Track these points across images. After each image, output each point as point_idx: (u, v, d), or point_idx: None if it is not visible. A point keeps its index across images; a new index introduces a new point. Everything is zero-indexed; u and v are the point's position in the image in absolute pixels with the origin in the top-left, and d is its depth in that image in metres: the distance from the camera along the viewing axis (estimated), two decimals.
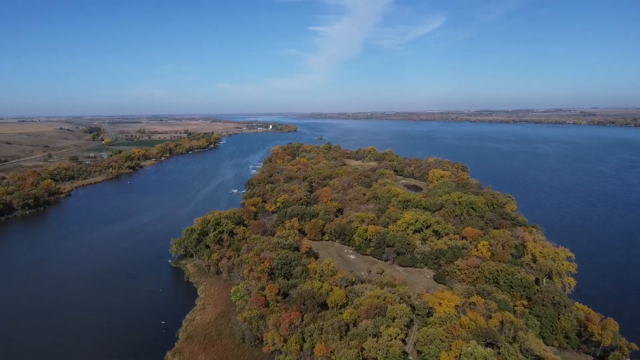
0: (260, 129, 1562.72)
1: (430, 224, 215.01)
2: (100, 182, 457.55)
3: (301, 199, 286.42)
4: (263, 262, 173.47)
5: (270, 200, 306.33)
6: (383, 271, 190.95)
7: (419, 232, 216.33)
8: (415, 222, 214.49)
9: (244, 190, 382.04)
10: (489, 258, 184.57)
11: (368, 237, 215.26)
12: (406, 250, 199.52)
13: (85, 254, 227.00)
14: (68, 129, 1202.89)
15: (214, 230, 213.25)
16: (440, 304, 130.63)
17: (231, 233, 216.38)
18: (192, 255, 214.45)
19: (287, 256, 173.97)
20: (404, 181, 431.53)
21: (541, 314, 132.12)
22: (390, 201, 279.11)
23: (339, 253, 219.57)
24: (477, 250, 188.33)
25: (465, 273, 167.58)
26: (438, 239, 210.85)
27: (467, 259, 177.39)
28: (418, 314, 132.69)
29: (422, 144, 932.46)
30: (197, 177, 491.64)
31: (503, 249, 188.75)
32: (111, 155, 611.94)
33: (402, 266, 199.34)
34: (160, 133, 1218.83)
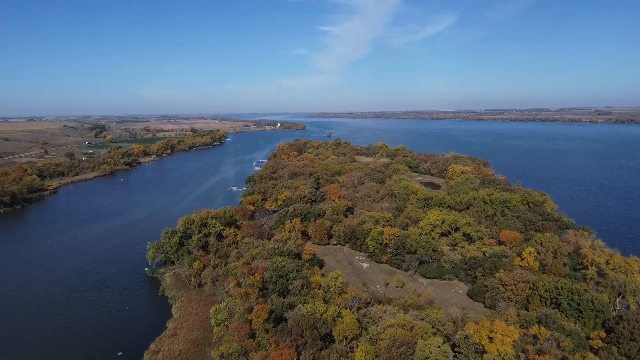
0: (268, 127, 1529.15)
1: (460, 225, 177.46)
2: (92, 178, 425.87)
3: (305, 196, 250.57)
4: (254, 274, 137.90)
5: (271, 198, 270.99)
6: (404, 284, 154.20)
7: (446, 235, 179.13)
8: (442, 223, 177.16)
9: (245, 187, 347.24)
10: (537, 269, 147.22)
11: (384, 242, 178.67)
12: (431, 258, 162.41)
13: (51, 259, 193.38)
14: (72, 127, 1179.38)
15: (199, 232, 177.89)
16: (490, 338, 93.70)
17: (219, 236, 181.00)
18: (173, 262, 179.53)
19: (284, 266, 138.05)
20: (419, 178, 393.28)
21: (632, 353, 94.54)
22: (408, 199, 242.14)
23: (348, 260, 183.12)
24: (522, 260, 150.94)
25: (512, 290, 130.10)
26: (470, 244, 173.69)
27: (511, 271, 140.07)
28: (459, 352, 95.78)
29: (436, 141, 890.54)
30: (196, 174, 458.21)
31: (555, 257, 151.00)
32: (109, 152, 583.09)
33: (427, 277, 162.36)
34: (166, 131, 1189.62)
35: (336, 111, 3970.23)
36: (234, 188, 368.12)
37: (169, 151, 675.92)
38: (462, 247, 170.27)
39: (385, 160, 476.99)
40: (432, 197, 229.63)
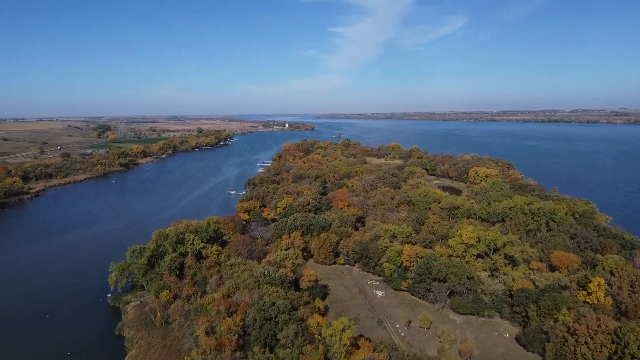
0: (276, 128, 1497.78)
1: (501, 245, 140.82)
2: (82, 180, 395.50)
3: (309, 203, 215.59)
4: (233, 313, 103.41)
5: (270, 205, 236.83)
6: (431, 324, 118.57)
7: (482, 257, 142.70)
8: (478, 242, 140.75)
9: (244, 191, 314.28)
10: (610, 308, 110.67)
11: (403, 264, 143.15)
12: (466, 287, 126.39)
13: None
14: (76, 127, 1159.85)
15: (174, 250, 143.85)
16: None
17: (199, 256, 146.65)
18: (143, 287, 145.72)
19: (273, 304, 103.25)
20: (436, 182, 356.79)
21: None
22: (430, 207, 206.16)
23: (359, 286, 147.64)
24: (589, 294, 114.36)
25: (586, 343, 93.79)
26: (513, 269, 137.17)
27: (576, 311, 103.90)
28: None
29: (450, 141, 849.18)
30: (195, 176, 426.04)
31: (633, 292, 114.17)
32: (108, 152, 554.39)
33: (459, 313, 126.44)
34: (172, 131, 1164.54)
35: (346, 112, 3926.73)
36: (232, 192, 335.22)
37: (170, 152, 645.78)
38: (504, 274, 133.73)
39: (398, 161, 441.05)
40: (458, 207, 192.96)
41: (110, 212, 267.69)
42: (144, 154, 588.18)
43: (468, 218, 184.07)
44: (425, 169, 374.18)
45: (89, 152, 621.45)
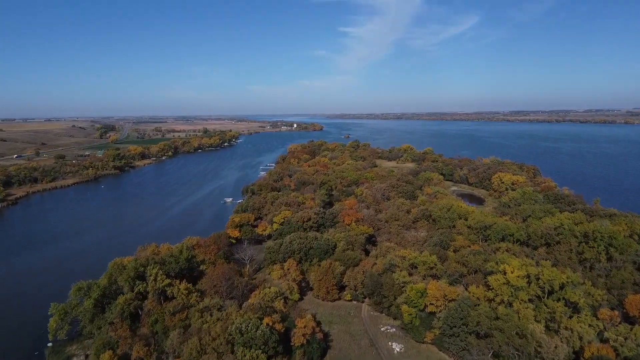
0: (284, 128, 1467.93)
1: (559, 286, 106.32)
2: (69, 185, 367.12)
3: (310, 218, 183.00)
4: None
5: (267, 218, 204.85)
6: None
7: (533, 300, 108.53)
8: (528, 282, 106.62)
9: (241, 199, 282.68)
10: None
11: (427, 307, 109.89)
12: (518, 349, 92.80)
13: None
14: (80, 127, 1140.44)
15: (131, 289, 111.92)
16: None
17: (163, 295, 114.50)
18: (92, 334, 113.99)
19: None
20: (454, 188, 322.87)
21: None
22: (454, 225, 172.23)
23: (370, 335, 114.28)
24: None
25: None
26: (577, 318, 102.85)
27: None
28: None
29: (464, 143, 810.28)
30: (192, 180, 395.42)
31: None
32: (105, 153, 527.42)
33: None
34: (177, 131, 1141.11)
35: (355, 112, 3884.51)
36: (229, 200, 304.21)
37: (170, 153, 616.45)
38: (566, 328, 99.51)
39: (411, 165, 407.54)
40: (490, 225, 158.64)
41: (86, 225, 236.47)
42: (143, 156, 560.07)
43: (503, 240, 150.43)
44: (442, 174, 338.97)
45: (87, 153, 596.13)
